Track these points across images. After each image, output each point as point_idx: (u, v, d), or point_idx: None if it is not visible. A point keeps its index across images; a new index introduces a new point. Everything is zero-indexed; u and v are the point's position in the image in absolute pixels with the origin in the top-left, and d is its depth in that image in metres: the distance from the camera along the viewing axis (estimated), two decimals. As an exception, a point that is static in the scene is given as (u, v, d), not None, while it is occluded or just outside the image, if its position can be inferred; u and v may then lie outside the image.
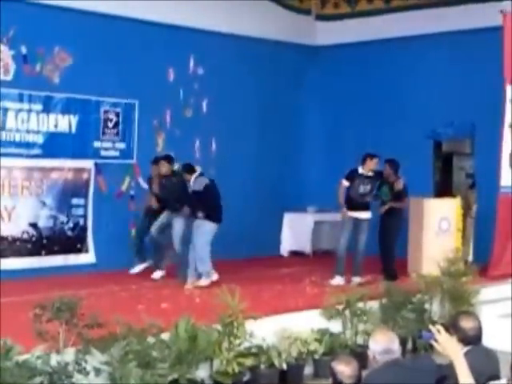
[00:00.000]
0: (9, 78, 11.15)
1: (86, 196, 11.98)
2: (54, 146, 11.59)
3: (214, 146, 13.54)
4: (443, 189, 14.13)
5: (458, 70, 13.10)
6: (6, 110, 11.11)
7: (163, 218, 11.41)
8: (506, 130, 11.95)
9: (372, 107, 14.14)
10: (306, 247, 14.28)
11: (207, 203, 10.86)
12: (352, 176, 11.31)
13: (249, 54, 13.71)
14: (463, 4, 13.07)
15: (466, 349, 5.38)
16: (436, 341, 4.48)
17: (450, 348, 4.43)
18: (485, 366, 5.29)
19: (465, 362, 4.36)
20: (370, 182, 11.36)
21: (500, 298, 10.95)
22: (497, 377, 5.16)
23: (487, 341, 5.64)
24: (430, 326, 4.66)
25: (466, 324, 5.46)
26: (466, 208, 12.74)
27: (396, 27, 13.69)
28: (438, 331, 4.48)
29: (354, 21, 14.55)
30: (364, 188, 11.33)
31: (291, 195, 14.27)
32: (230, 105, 13.49)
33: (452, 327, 5.50)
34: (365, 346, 7.13)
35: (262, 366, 8.21)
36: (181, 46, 12.81)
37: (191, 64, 13.18)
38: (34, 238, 11.46)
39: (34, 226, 11.46)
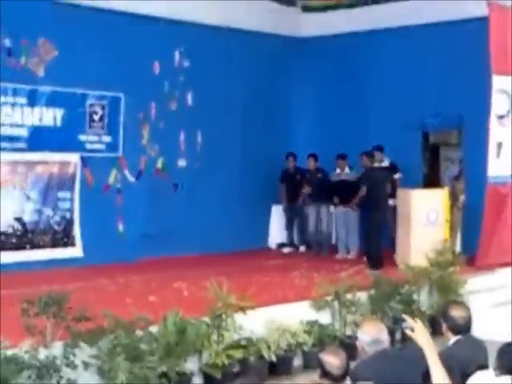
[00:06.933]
0: (-7, 71, 11.05)
1: (72, 189, 11.92)
2: (38, 139, 11.50)
3: (199, 138, 13.49)
4: (431, 180, 14.13)
5: (445, 61, 13.08)
6: (-11, 104, 11.03)
7: None
8: (493, 121, 11.95)
9: (359, 99, 14.10)
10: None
11: None
12: None
13: (234, 45, 13.67)
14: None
15: (455, 338, 5.41)
16: (412, 330, 4.55)
17: (421, 338, 4.51)
18: (474, 355, 5.33)
19: (436, 353, 4.45)
20: None
21: (487, 287, 10.98)
22: (485, 366, 5.17)
23: (475, 330, 5.65)
24: (405, 316, 4.71)
25: (456, 313, 5.48)
26: (453, 199, 12.74)
27: (382, 18, 13.65)
28: (415, 321, 4.55)
29: (341, 12, 14.49)
30: None
31: (279, 187, 14.26)
32: (215, 97, 13.44)
33: (442, 316, 5.53)
34: (354, 337, 7.12)
35: (252, 358, 8.19)
36: (166, 39, 12.75)
37: (177, 56, 13.12)
38: (18, 232, 11.39)
39: (18, 220, 11.39)
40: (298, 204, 13.89)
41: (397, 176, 12.76)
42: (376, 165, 12.61)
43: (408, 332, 4.63)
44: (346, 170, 13.31)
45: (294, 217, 14.09)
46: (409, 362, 5.21)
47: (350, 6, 14.41)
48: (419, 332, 4.54)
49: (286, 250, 14.07)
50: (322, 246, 13.63)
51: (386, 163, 12.77)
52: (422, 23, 13.18)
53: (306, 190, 13.62)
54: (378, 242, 12.25)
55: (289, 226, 14.22)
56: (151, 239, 12.52)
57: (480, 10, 11.77)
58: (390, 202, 12.31)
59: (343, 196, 13.12)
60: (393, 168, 12.77)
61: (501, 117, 12.10)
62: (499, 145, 12.05)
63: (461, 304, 5.90)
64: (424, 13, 13.12)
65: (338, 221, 13.41)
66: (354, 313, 9.34)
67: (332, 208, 13.48)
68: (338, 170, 13.38)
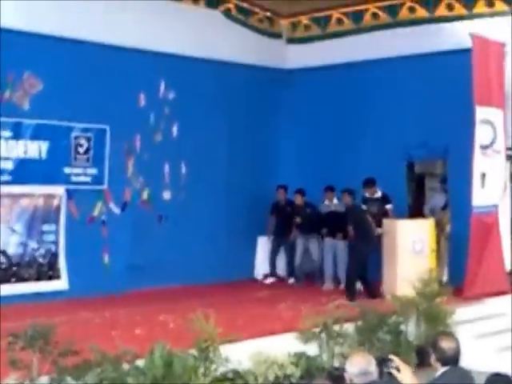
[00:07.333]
0: (-22, 105, 11.03)
1: (57, 222, 11.86)
2: (23, 172, 11.45)
3: (183, 169, 13.48)
4: (416, 210, 14.17)
5: (431, 92, 13.13)
6: (-25, 138, 10.99)
7: None
8: (477, 151, 12.01)
9: (345, 129, 14.13)
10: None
11: None
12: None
13: (220, 77, 13.69)
14: (434, 24, 13.20)
15: (443, 369, 5.39)
16: (398, 370, 4.61)
17: (406, 380, 4.55)
18: (462, 386, 5.30)
19: None
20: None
21: (474, 318, 10.96)
22: (473, 397, 5.17)
23: (462, 361, 5.64)
24: (392, 356, 4.74)
25: (446, 345, 5.47)
26: (440, 229, 12.77)
27: (367, 49, 13.74)
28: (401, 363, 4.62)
29: (326, 43, 14.58)
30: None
31: (264, 219, 14.24)
32: (200, 129, 13.46)
33: (431, 347, 5.52)
34: (341, 369, 7.08)
35: (239, 391, 8.13)
36: (152, 71, 12.77)
37: (162, 88, 13.14)
38: (3, 266, 11.31)
39: (3, 253, 11.32)
40: (290, 238, 13.86)
41: (388, 207, 12.81)
42: (368, 195, 12.82)
43: (394, 372, 4.65)
44: (335, 201, 13.41)
45: (281, 247, 14.07)
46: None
47: (336, 35, 14.49)
48: (405, 374, 4.56)
49: (269, 280, 14.03)
50: (314, 277, 13.65)
51: (378, 194, 12.83)
52: (408, 54, 13.25)
53: (298, 219, 13.67)
54: (365, 272, 12.23)
55: (273, 257, 14.17)
56: (137, 271, 12.46)
57: (464, 42, 11.89)
58: (379, 230, 12.31)
59: (332, 227, 13.18)
60: (385, 199, 12.82)
61: (485, 147, 12.17)
62: (483, 175, 12.10)
63: (450, 335, 5.88)
64: (409, 44, 13.22)
65: (326, 252, 13.40)
66: (342, 344, 9.29)
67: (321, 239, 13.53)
68: (327, 202, 13.50)
